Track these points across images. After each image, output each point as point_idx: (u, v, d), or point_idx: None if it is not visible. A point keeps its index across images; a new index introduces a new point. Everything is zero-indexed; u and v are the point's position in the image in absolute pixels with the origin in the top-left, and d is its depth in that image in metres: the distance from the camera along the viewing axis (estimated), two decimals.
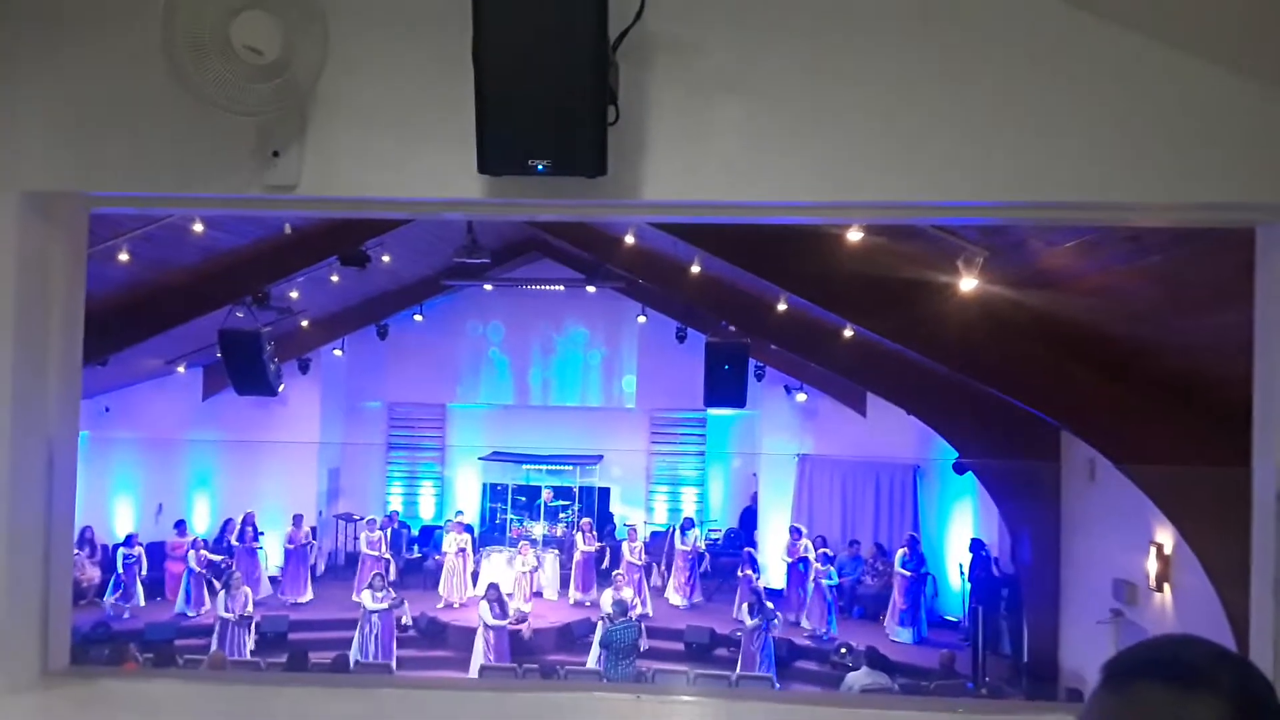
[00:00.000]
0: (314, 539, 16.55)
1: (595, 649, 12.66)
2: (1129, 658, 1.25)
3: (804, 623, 14.66)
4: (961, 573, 14.45)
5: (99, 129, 2.60)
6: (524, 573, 15.18)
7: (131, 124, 2.58)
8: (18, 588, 2.63)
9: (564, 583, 16.09)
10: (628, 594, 13.29)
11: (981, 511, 14.61)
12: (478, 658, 12.95)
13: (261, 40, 2.35)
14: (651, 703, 2.69)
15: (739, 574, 15.27)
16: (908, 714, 2.79)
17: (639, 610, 13.91)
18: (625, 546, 15.73)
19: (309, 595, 15.73)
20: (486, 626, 13.08)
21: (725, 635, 13.95)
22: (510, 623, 13.27)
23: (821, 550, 15.25)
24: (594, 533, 16.27)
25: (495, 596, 13.35)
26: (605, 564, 15.90)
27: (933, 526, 16.30)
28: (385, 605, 13.18)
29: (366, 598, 13.33)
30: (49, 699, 2.67)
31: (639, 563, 15.50)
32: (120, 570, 14.81)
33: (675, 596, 15.91)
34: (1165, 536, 9.02)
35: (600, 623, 12.82)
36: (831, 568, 14.88)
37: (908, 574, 14.71)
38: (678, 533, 16.54)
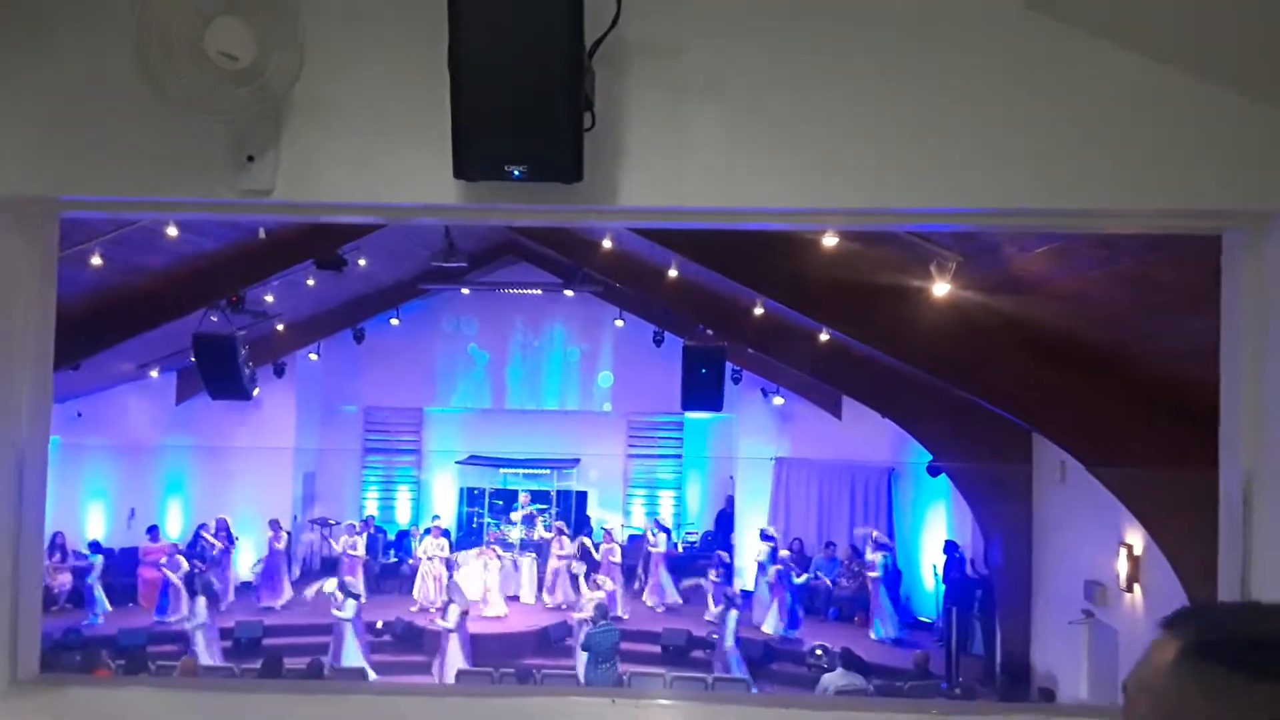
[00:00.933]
0: (288, 543, 16.43)
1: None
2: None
3: (766, 624, 14.71)
4: (935, 574, 14.55)
5: (71, 133, 2.58)
6: (488, 576, 15.15)
7: (103, 128, 2.56)
8: None
9: (542, 586, 16.08)
10: (599, 596, 13.27)
11: (955, 513, 14.72)
12: (446, 662, 12.87)
13: (235, 45, 2.34)
14: (627, 706, 2.70)
15: (708, 577, 15.35)
16: (882, 715, 2.81)
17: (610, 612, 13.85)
18: (601, 549, 15.74)
19: (286, 597, 15.61)
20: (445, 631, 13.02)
21: (702, 637, 13.99)
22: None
23: (783, 552, 15.31)
24: (567, 535, 16.25)
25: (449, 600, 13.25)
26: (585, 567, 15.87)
27: (907, 528, 16.42)
28: (347, 614, 13.08)
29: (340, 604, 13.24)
30: (18, 707, 2.64)
31: (613, 564, 15.49)
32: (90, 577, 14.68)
33: (649, 599, 15.91)
34: (1135, 537, 9.13)
35: (582, 626, 12.87)
36: (776, 566, 14.89)
37: (877, 574, 14.85)
38: (650, 536, 16.57)
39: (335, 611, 13.06)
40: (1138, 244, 5.00)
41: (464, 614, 13.18)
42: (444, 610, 13.13)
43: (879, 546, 15.07)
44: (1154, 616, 8.77)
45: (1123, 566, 9.36)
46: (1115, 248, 5.26)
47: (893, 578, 15.15)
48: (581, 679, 12.20)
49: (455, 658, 12.89)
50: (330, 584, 13.73)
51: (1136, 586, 9.22)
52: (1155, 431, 7.31)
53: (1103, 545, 9.76)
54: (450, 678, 12.40)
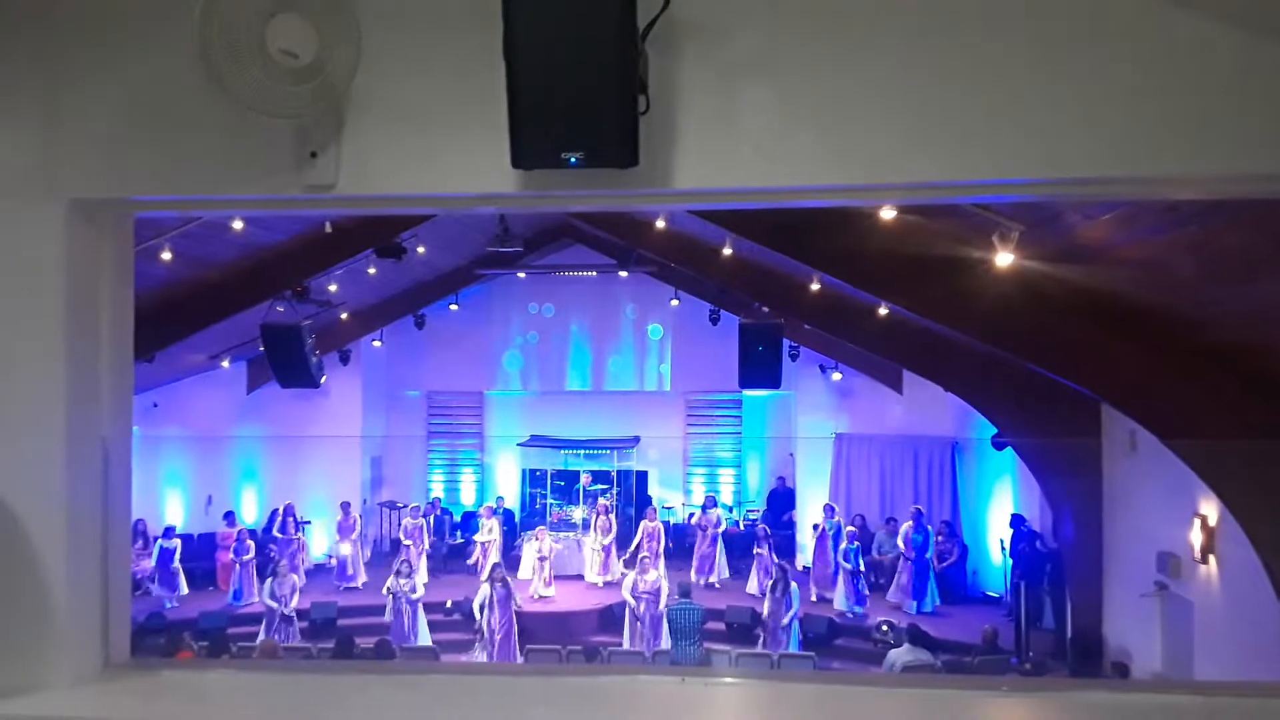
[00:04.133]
0: (360, 526, 16.83)
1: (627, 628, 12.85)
2: None
3: (836, 601, 14.70)
4: (1003, 548, 14.37)
5: (142, 136, 2.65)
6: (540, 558, 15.31)
7: (173, 130, 2.64)
8: (78, 583, 2.71)
9: (606, 566, 16.20)
10: (651, 575, 13.31)
11: (1022, 486, 14.51)
12: (484, 642, 12.97)
13: (296, 43, 2.39)
14: (696, 685, 2.73)
15: (753, 551, 15.43)
16: (951, 692, 2.79)
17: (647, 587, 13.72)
18: (643, 525, 15.72)
19: (363, 578, 16.04)
20: (487, 609, 13.11)
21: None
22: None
23: (847, 529, 15.26)
24: (611, 515, 16.34)
25: (500, 577, 13.28)
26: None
27: (972, 502, 16.22)
28: (409, 591, 13.32)
29: (390, 583, 13.42)
30: (112, 690, 2.75)
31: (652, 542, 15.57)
32: (157, 563, 15.21)
33: (696, 575, 15.90)
34: (1209, 508, 8.91)
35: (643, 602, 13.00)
36: (849, 544, 14.86)
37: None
38: (700, 513, 16.62)
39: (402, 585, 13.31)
40: (1203, 208, 4.87)
41: (495, 597, 13.17)
42: (506, 591, 13.21)
43: (914, 520, 15.16)
44: (1230, 588, 8.61)
45: (1197, 538, 9.15)
46: (1181, 212, 5.13)
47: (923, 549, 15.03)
48: (648, 654, 12.31)
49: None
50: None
51: (1211, 558, 9.00)
52: (1228, 399, 7.12)
53: (1176, 516, 9.55)
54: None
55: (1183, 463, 8.00)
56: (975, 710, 2.68)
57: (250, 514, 17.52)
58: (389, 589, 13.36)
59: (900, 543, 15.16)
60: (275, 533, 16.18)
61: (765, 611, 13.05)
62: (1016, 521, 14.11)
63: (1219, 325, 6.79)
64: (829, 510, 15.80)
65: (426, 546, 16.26)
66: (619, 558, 15.88)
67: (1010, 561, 13.94)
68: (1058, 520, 12.56)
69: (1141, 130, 2.40)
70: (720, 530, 16.39)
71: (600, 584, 15.73)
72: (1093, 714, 2.62)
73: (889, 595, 15.06)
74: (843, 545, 14.79)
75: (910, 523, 15.17)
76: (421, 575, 15.36)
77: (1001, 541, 14.52)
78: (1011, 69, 2.44)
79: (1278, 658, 7.15)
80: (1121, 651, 11.26)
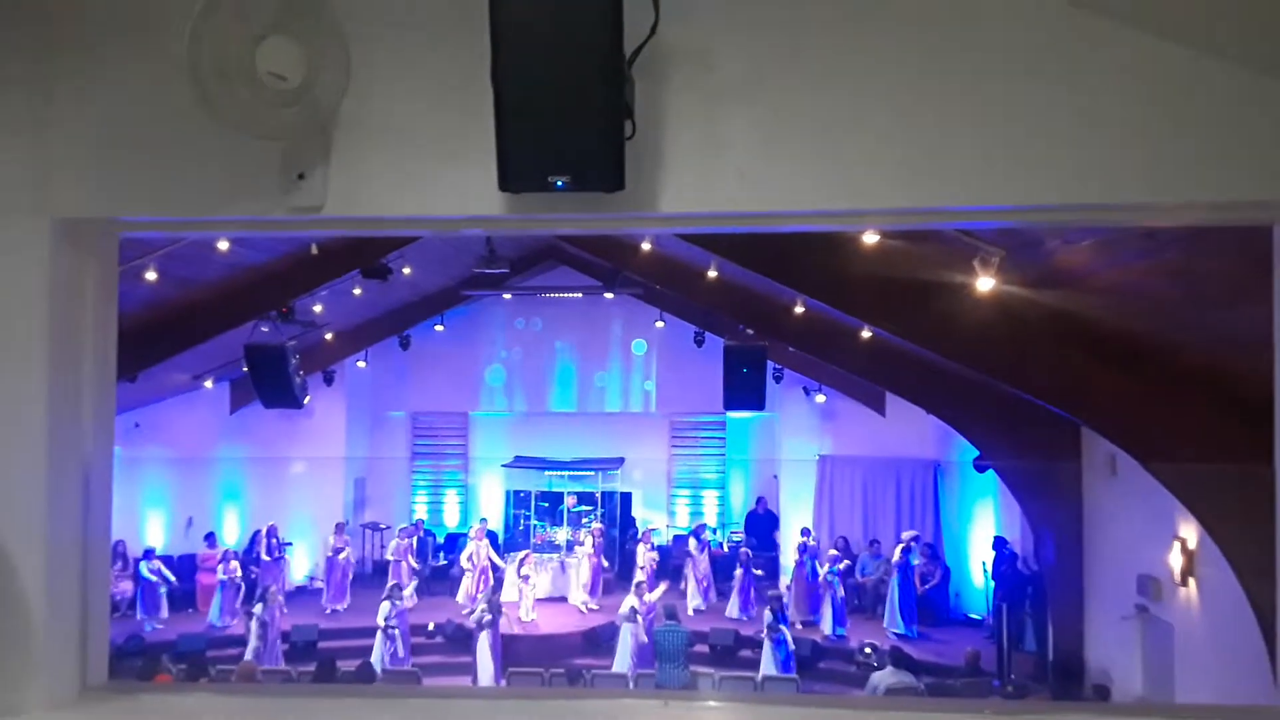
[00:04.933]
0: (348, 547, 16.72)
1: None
2: None
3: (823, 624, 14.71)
4: (985, 570, 14.40)
5: (128, 156, 2.66)
6: (524, 580, 15.25)
7: (160, 150, 2.64)
8: (57, 605, 2.68)
9: (594, 589, 16.15)
10: (648, 597, 13.26)
11: (1003, 508, 14.56)
12: (484, 665, 12.93)
13: (285, 66, 2.40)
14: (679, 709, 2.72)
15: (735, 573, 15.51)
16: (933, 715, 2.80)
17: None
18: (640, 550, 15.68)
19: (347, 601, 15.89)
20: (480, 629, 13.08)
21: (750, 637, 13.96)
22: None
23: (830, 551, 15.27)
24: (602, 537, 16.32)
25: (496, 600, 13.24)
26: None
27: (954, 525, 16.26)
28: (398, 615, 13.19)
29: (385, 610, 13.24)
30: (89, 714, 2.71)
31: (651, 567, 15.51)
32: (143, 584, 15.04)
33: (691, 599, 15.91)
34: (1189, 531, 8.97)
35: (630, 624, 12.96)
36: (825, 566, 14.85)
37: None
38: (693, 538, 16.61)
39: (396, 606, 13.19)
40: (1183, 234, 4.93)
41: (494, 619, 13.10)
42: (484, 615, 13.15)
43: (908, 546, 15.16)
44: (1210, 611, 8.65)
45: (1176, 560, 9.20)
46: (1161, 239, 5.19)
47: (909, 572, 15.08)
48: (631, 677, 12.24)
49: (485, 663, 12.85)
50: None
51: (1191, 581, 9.05)
52: (1207, 424, 7.19)
53: (1156, 539, 9.60)
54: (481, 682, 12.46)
55: (1162, 486, 8.05)
56: None
57: (231, 535, 17.35)
58: (385, 617, 13.16)
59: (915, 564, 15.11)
60: (264, 555, 16.01)
61: (765, 651, 12.89)
62: (998, 544, 14.15)
63: (1197, 350, 6.86)
64: (805, 533, 15.86)
65: (414, 564, 16.15)
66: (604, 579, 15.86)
67: (992, 584, 13.97)
68: (1039, 543, 12.60)
69: (1124, 158, 2.44)
70: (709, 554, 16.41)
71: (584, 608, 15.65)
72: None
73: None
74: (824, 568, 14.80)
75: (917, 546, 15.16)
76: (411, 596, 15.29)
77: (984, 564, 14.55)
78: (995, 97, 2.47)
79: (1258, 681, 7.17)
80: (1102, 674, 11.28)
